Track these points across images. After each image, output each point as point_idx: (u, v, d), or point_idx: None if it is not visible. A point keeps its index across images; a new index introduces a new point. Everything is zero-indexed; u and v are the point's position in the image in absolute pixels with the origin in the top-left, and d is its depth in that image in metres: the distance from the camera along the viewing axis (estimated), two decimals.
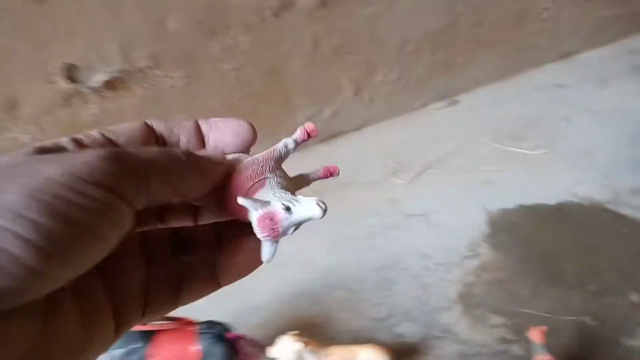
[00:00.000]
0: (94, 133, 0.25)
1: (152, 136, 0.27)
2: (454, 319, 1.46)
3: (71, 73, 1.63)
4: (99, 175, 0.18)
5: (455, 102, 2.67)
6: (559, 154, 2.23)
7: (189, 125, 0.29)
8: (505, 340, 1.38)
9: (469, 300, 1.52)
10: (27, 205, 0.16)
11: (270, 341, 1.25)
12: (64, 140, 0.24)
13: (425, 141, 2.35)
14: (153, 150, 0.22)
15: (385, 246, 1.76)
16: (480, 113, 2.59)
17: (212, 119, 0.31)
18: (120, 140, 0.25)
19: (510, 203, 1.95)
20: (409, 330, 1.42)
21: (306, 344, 1.19)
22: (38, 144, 0.23)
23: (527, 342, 1.34)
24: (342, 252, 1.75)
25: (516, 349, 1.35)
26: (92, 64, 1.65)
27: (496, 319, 1.45)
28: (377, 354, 1.21)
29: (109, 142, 0.25)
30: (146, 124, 0.27)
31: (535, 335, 1.22)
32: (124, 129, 0.26)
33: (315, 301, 1.55)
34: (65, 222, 0.16)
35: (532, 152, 2.24)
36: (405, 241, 1.78)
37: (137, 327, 1.11)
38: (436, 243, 1.76)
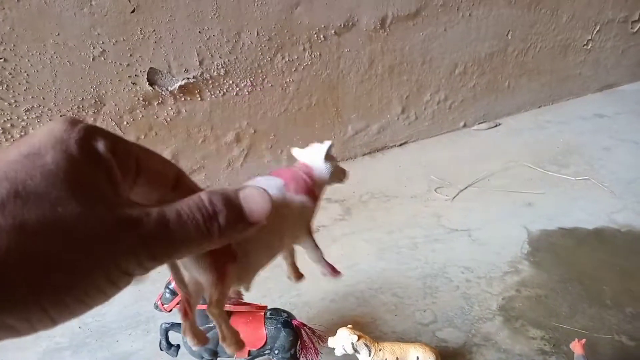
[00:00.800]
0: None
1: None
2: (495, 328, 1.55)
3: (154, 77, 1.80)
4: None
5: (497, 125, 2.77)
6: (599, 181, 2.30)
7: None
8: (543, 352, 1.46)
9: (509, 313, 1.60)
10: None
11: (326, 333, 1.36)
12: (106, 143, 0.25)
13: (467, 160, 2.45)
14: (188, 230, 0.24)
15: (428, 257, 1.86)
16: (521, 137, 2.67)
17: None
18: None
19: (550, 225, 2.03)
20: (451, 336, 1.51)
21: (360, 337, 1.30)
22: (87, 130, 0.25)
23: (564, 355, 1.42)
24: (387, 260, 1.86)
25: None
26: (173, 69, 1.81)
27: (535, 332, 1.53)
28: (427, 353, 1.30)
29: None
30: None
31: (576, 347, 1.30)
32: None
33: (363, 303, 1.66)
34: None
35: (572, 178, 2.32)
36: (447, 253, 1.88)
37: None
38: (478, 258, 1.85)
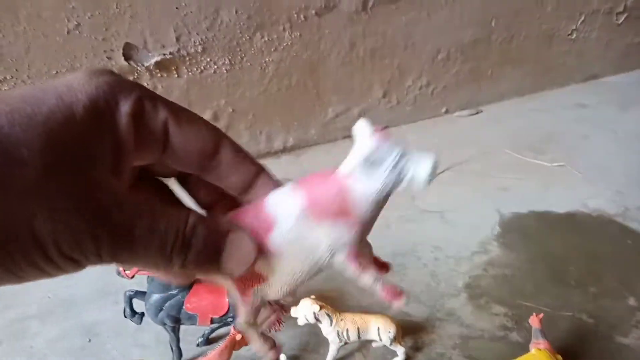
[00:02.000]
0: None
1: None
2: (459, 305, 1.58)
3: (129, 52, 1.81)
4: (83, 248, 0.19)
5: (479, 112, 2.79)
6: (575, 168, 2.32)
7: (251, 172, 0.29)
8: (506, 328, 1.49)
9: (474, 291, 1.63)
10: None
11: (290, 304, 1.38)
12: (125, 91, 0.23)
13: (446, 145, 2.47)
14: (152, 248, 0.22)
15: (399, 236, 1.89)
16: (502, 124, 2.69)
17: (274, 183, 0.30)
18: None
19: (523, 208, 2.05)
20: (416, 311, 1.54)
21: (322, 307, 1.32)
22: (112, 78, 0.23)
23: (525, 331, 1.45)
24: None
25: (515, 336, 1.46)
26: (149, 45, 1.82)
27: (498, 309, 1.56)
28: (387, 325, 1.33)
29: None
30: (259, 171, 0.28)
31: (534, 321, 1.33)
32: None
33: (330, 278, 1.68)
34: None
35: (549, 165, 2.34)
36: (419, 233, 1.90)
37: None
38: (448, 238, 1.88)
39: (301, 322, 1.32)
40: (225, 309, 1.29)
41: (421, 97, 2.60)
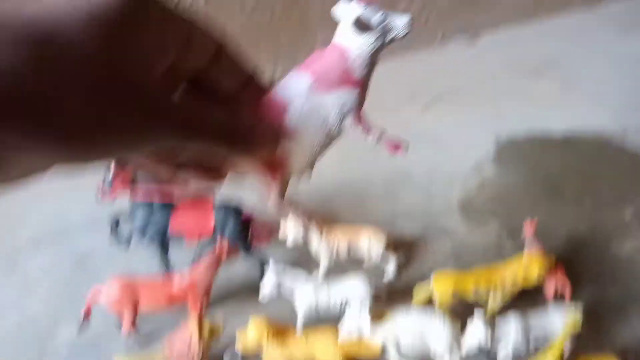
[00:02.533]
0: None
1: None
2: (453, 222, 1.56)
3: None
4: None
5: (475, 38, 2.68)
6: (574, 92, 2.25)
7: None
8: (499, 241, 1.47)
9: (468, 208, 1.61)
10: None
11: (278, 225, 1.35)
12: None
13: (442, 73, 2.39)
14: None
15: (393, 160, 1.84)
16: (499, 50, 2.60)
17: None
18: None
19: (519, 131, 2.00)
20: (409, 229, 1.52)
21: (311, 221, 1.29)
22: None
23: (520, 244, 1.43)
24: (350, 164, 1.83)
25: (509, 249, 1.44)
26: None
27: (492, 225, 1.54)
28: (377, 235, 1.31)
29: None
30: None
31: (528, 229, 1.30)
32: None
33: (323, 203, 1.65)
34: None
35: (547, 88, 2.27)
36: (413, 157, 1.85)
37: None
38: (443, 160, 1.84)
39: (291, 241, 1.29)
40: (211, 228, 1.27)
41: (415, 24, 2.50)
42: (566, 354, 1.05)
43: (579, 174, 1.77)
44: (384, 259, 1.32)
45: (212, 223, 1.26)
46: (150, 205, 1.26)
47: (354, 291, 1.13)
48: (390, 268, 1.34)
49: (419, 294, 1.20)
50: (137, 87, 0.19)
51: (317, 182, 1.75)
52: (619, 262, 1.42)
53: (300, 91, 0.28)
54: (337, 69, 0.28)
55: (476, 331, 1.02)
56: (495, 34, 2.73)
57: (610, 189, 1.68)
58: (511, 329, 1.05)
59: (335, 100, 0.28)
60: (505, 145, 1.93)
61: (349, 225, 1.34)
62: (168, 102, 0.20)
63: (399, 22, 0.33)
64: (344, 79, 0.28)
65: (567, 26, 2.82)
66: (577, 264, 1.38)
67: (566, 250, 1.43)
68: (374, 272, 1.34)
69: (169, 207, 1.28)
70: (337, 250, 1.30)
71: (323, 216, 1.48)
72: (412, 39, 2.60)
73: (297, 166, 0.30)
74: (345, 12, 0.30)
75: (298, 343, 1.04)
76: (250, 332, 1.02)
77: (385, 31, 0.31)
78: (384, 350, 1.05)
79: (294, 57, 2.27)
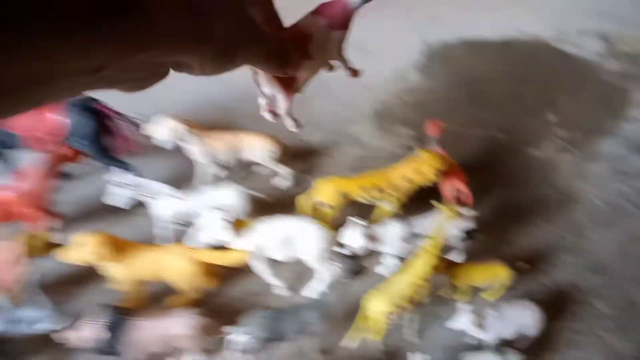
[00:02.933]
0: None
1: None
2: (363, 129, 1.43)
3: None
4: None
5: None
6: None
7: None
8: (407, 146, 1.36)
9: (382, 115, 1.48)
10: None
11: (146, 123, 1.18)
12: None
13: None
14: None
15: None
16: None
17: None
18: None
19: (452, 37, 1.84)
20: (316, 138, 1.39)
21: (183, 124, 1.14)
22: None
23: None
24: None
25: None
26: None
27: (403, 130, 1.42)
28: (265, 141, 1.17)
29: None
30: None
31: (431, 128, 1.19)
32: None
33: (224, 112, 1.50)
34: None
35: None
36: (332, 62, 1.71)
37: None
38: (365, 67, 1.66)
39: (162, 144, 1.13)
40: (63, 129, 1.07)
41: None
42: (461, 259, 0.97)
43: (509, 77, 1.64)
44: (275, 167, 1.20)
45: (53, 119, 1.08)
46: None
47: (226, 199, 1.01)
48: (283, 176, 1.22)
49: (301, 201, 1.09)
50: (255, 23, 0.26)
51: (220, 88, 1.60)
52: (533, 166, 1.33)
53: (320, 28, 0.35)
54: (342, 14, 0.36)
55: (351, 234, 0.91)
56: None
57: (538, 94, 1.56)
58: (392, 231, 0.95)
59: (339, 36, 0.36)
60: (434, 52, 1.78)
61: (234, 132, 1.20)
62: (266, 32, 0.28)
63: None
64: (345, 22, 0.37)
65: None
66: (488, 169, 1.29)
67: (479, 155, 1.33)
68: (265, 180, 1.22)
69: None
70: (216, 154, 1.16)
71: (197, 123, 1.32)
72: None
73: (303, 84, 0.36)
74: None
75: (144, 258, 0.92)
76: (84, 246, 0.88)
77: None
78: (249, 260, 0.95)
79: None
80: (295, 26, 0.36)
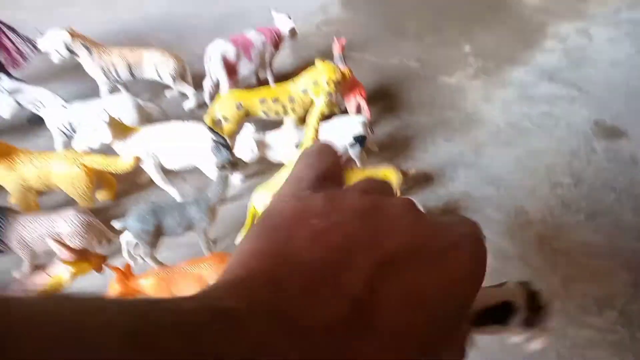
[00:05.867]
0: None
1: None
2: (280, 57, 1.39)
3: None
4: None
5: None
6: None
7: None
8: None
9: (300, 44, 1.44)
10: None
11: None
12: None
13: None
14: None
15: (230, 1, 1.63)
16: None
17: None
18: None
19: None
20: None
21: (75, 36, 1.07)
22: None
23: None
24: (182, 3, 1.61)
25: None
26: None
27: (320, 57, 1.39)
28: (166, 57, 1.14)
29: None
30: None
31: (335, 47, 1.17)
32: None
33: (136, 40, 1.41)
34: None
35: None
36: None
37: None
38: (286, 1, 1.63)
39: (55, 58, 1.07)
40: None
41: None
42: (357, 163, 0.96)
43: (427, 12, 1.62)
44: (178, 85, 1.15)
45: None
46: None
47: (113, 107, 0.96)
48: (190, 97, 1.18)
49: (204, 118, 1.06)
50: None
51: (137, 19, 1.52)
52: (442, 92, 1.33)
53: None
54: None
55: (243, 139, 0.89)
56: None
57: (456, 26, 1.55)
58: (283, 139, 0.94)
59: None
60: None
61: (133, 47, 1.15)
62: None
63: None
64: None
65: None
66: (398, 95, 1.28)
67: (392, 82, 1.32)
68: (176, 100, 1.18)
69: None
70: (115, 71, 1.11)
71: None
72: None
73: None
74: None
75: (32, 163, 0.87)
76: None
77: None
78: (141, 166, 0.91)
79: None
80: None
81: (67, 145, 1.01)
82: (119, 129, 0.89)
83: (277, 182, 0.82)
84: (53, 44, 1.06)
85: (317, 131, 0.86)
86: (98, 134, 0.87)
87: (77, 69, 1.15)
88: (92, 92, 1.17)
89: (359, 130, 0.96)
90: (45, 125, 1.10)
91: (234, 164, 0.81)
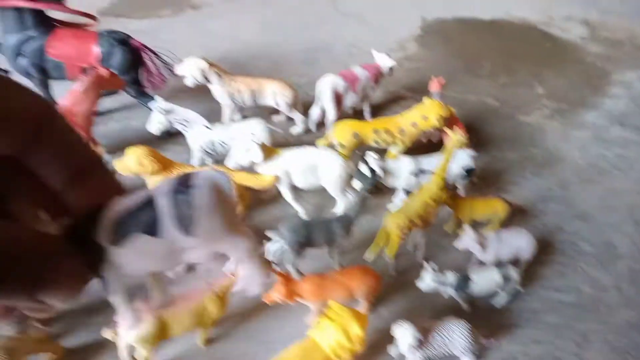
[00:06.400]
0: None
1: None
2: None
3: None
4: None
5: None
6: None
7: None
8: (408, 105, 1.45)
9: (386, 79, 1.56)
10: None
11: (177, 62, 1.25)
12: None
13: None
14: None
15: (315, 34, 1.76)
16: None
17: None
18: None
19: (446, 14, 1.95)
20: None
21: (211, 65, 1.20)
22: None
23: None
24: (272, 35, 1.74)
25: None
26: None
27: (407, 94, 1.51)
28: (284, 90, 1.25)
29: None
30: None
31: (433, 85, 1.28)
32: None
33: (237, 66, 1.54)
34: None
35: None
36: (336, 33, 1.78)
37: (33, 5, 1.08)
38: (365, 37, 1.76)
39: (189, 82, 1.19)
40: (93, 57, 1.14)
41: None
42: (462, 193, 1.06)
43: (500, 53, 1.75)
44: (289, 113, 1.27)
45: (93, 51, 1.14)
46: (23, 19, 1.11)
47: (251, 130, 1.08)
48: (298, 123, 1.30)
49: (320, 142, 1.18)
50: None
51: (235, 47, 1.65)
52: (522, 129, 1.44)
53: None
54: None
55: (368, 167, 1.00)
56: None
57: (527, 69, 1.68)
58: (403, 167, 1.05)
59: None
60: (430, 25, 1.88)
61: (254, 77, 1.28)
62: None
63: None
64: None
65: None
66: (482, 130, 1.39)
67: (473, 117, 1.43)
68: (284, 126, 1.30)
69: (47, 27, 1.14)
70: (240, 97, 1.23)
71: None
72: None
73: None
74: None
75: (181, 171, 0.98)
76: (129, 158, 0.95)
77: None
78: (277, 184, 1.02)
79: None
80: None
81: (202, 162, 1.13)
82: (267, 151, 1.00)
83: (412, 206, 0.93)
84: (191, 70, 1.18)
85: (448, 162, 0.97)
86: (251, 154, 0.98)
87: (193, 92, 1.28)
88: (203, 112, 1.31)
89: (469, 163, 1.07)
90: (170, 139, 1.22)
91: (376, 188, 0.92)
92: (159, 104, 1.06)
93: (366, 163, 0.95)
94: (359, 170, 0.94)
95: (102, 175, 0.23)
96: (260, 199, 1.12)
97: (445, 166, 0.95)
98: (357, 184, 1.00)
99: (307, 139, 1.31)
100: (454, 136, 1.01)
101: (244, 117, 1.29)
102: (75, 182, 0.22)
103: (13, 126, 0.20)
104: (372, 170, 0.94)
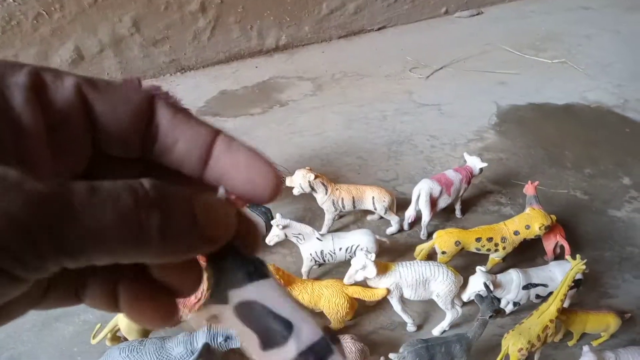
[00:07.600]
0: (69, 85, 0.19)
1: (141, 118, 0.20)
2: None
3: None
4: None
5: (480, 13, 2.68)
6: (576, 64, 2.27)
7: (202, 135, 0.21)
8: (499, 203, 1.50)
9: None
10: None
11: (286, 174, 1.36)
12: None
13: (446, 44, 2.39)
14: (108, 217, 0.16)
15: (396, 127, 1.86)
16: (503, 25, 2.60)
17: (236, 145, 0.21)
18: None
19: (520, 100, 2.02)
20: (410, 190, 1.53)
21: (317, 176, 1.31)
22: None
23: (519, 206, 1.46)
24: (355, 129, 1.85)
25: (508, 210, 1.46)
26: None
27: (493, 187, 1.56)
28: (382, 194, 1.33)
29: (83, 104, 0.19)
30: (150, 100, 0.20)
31: (529, 189, 1.33)
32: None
33: (327, 163, 1.67)
34: None
35: (549, 61, 2.28)
36: (415, 124, 1.87)
37: None
38: (445, 128, 1.85)
39: (296, 191, 1.31)
40: None
41: None
42: (565, 304, 1.08)
43: (579, 141, 1.79)
44: (387, 216, 1.35)
45: None
46: None
47: (359, 242, 1.16)
48: (394, 224, 1.36)
49: (420, 250, 1.23)
50: None
51: (323, 143, 1.77)
52: (615, 226, 1.45)
53: None
54: None
55: (478, 281, 1.05)
56: (500, 9, 2.73)
57: (610, 157, 1.70)
58: (512, 281, 1.09)
59: None
60: (506, 112, 1.95)
61: (355, 184, 1.37)
62: None
63: None
64: None
65: (570, 3, 2.83)
66: (575, 228, 1.41)
67: (565, 214, 1.46)
68: (377, 229, 1.36)
69: None
70: (342, 204, 1.32)
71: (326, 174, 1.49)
72: (416, 10, 2.58)
73: None
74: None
75: (304, 289, 1.06)
76: None
77: None
78: (387, 296, 1.08)
79: (300, 23, 2.26)
80: None
81: (310, 268, 1.21)
82: (381, 267, 1.07)
83: (533, 330, 0.96)
84: (299, 181, 1.29)
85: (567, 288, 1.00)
86: (366, 271, 1.06)
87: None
88: (297, 213, 1.41)
89: (577, 275, 1.10)
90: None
91: (497, 311, 0.96)
92: (278, 220, 1.16)
93: (487, 288, 1.00)
94: (479, 295, 0.99)
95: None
96: (365, 305, 1.18)
97: (565, 291, 0.99)
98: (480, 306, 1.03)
99: (403, 240, 1.38)
100: (575, 264, 1.05)
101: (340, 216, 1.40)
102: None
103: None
104: (496, 298, 0.98)
